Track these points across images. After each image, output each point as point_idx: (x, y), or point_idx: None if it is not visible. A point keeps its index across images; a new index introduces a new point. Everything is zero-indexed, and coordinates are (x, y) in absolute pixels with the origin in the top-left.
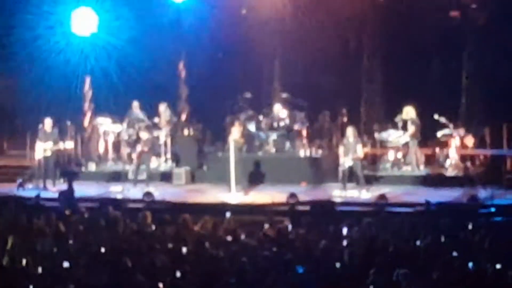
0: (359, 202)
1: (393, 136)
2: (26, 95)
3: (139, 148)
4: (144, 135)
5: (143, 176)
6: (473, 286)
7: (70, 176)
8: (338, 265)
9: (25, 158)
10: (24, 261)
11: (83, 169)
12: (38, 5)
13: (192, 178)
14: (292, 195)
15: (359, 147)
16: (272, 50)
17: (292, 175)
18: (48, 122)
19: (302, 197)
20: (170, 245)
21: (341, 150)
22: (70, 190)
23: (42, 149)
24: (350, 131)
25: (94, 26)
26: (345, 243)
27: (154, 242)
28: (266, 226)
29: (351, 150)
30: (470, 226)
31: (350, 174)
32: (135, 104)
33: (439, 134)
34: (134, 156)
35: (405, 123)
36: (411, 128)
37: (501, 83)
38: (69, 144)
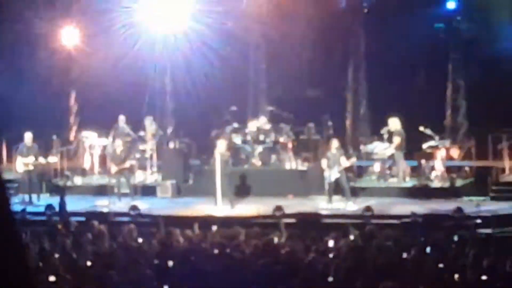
0: (345, 214)
1: (379, 148)
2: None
3: (124, 162)
4: (121, 148)
5: (128, 189)
6: None
7: (62, 190)
8: (324, 278)
9: (10, 172)
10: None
11: (69, 183)
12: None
13: (178, 191)
14: (278, 208)
15: (343, 158)
16: (257, 64)
17: (278, 188)
18: (28, 137)
19: (288, 210)
20: (156, 259)
21: (324, 163)
22: (62, 204)
23: (23, 164)
24: (333, 143)
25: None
26: (331, 255)
27: (140, 256)
28: (253, 239)
29: (335, 162)
30: (456, 238)
31: (336, 186)
32: (121, 118)
33: (425, 145)
34: (120, 169)
35: (390, 135)
36: (396, 140)
37: (487, 94)
38: (52, 159)
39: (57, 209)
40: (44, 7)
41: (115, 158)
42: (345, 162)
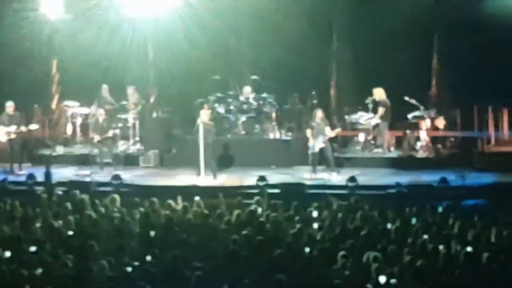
0: (329, 184)
1: (364, 118)
2: None
3: (107, 131)
4: (104, 117)
5: (111, 159)
6: (444, 269)
7: (47, 160)
8: (308, 248)
9: None
10: None
11: (54, 153)
12: None
13: (161, 161)
14: (262, 178)
15: (327, 128)
16: (240, 32)
17: (261, 158)
18: (10, 105)
19: (272, 180)
20: (138, 229)
21: (308, 133)
22: (48, 174)
23: (5, 133)
24: (318, 113)
25: (62, 10)
26: (315, 226)
27: (122, 226)
28: (235, 209)
29: (320, 132)
30: (440, 209)
31: (320, 156)
32: (104, 87)
33: (410, 116)
34: (102, 138)
35: (375, 105)
36: (381, 110)
37: (472, 65)
38: (33, 127)
39: (40, 179)
40: None
41: (97, 128)
42: (329, 133)
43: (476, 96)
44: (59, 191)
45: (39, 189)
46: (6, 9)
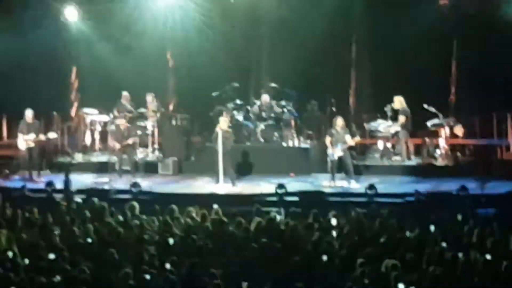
0: (348, 192)
1: (383, 126)
2: (12, 85)
3: (126, 138)
4: (126, 125)
5: (129, 166)
6: (463, 277)
7: (66, 168)
8: (327, 256)
9: (10, 149)
10: (10, 253)
11: (73, 160)
12: None
13: (180, 168)
14: (281, 186)
15: (348, 136)
16: (260, 40)
17: (280, 166)
18: (29, 114)
19: (291, 188)
20: (157, 237)
21: (327, 140)
22: (67, 182)
23: (24, 141)
24: (338, 121)
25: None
26: (334, 233)
27: (141, 234)
28: (254, 216)
29: (339, 140)
30: (459, 217)
31: (339, 164)
32: (125, 94)
33: (429, 123)
34: (121, 146)
35: (395, 112)
36: (402, 118)
37: (491, 72)
38: (52, 135)
39: (58, 186)
40: None
41: (118, 135)
42: (349, 141)
43: (495, 103)
44: (78, 198)
45: (58, 196)
46: (26, 16)
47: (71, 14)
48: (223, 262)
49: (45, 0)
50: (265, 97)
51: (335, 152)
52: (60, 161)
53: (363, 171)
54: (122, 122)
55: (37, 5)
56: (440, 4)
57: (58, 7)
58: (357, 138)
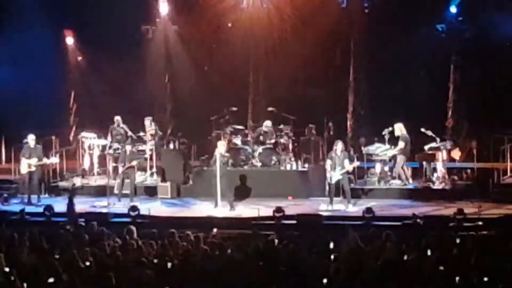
0: (345, 216)
1: (380, 150)
2: (10, 109)
3: (123, 162)
4: (130, 149)
5: (128, 190)
6: None
7: (71, 192)
8: (325, 280)
9: (9, 173)
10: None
11: (78, 184)
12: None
13: (178, 192)
14: (279, 209)
15: (347, 161)
16: (258, 64)
17: (278, 189)
18: (31, 139)
19: (289, 211)
20: (155, 260)
21: (327, 164)
22: (71, 205)
23: (27, 165)
24: (338, 145)
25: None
26: (332, 257)
27: (139, 257)
28: (252, 240)
29: (338, 164)
30: (457, 240)
31: (336, 187)
32: (117, 118)
33: (426, 147)
34: (119, 170)
35: (392, 136)
36: (402, 144)
37: (488, 95)
38: (54, 160)
39: (56, 210)
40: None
41: (123, 159)
42: (348, 166)
43: (492, 127)
44: (82, 222)
45: (61, 220)
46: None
47: (69, 40)
48: (222, 285)
49: (45, 25)
50: (264, 121)
51: (334, 176)
52: (59, 185)
53: (360, 195)
54: (128, 148)
55: (36, 30)
56: (438, 29)
57: (57, 33)
58: (356, 163)
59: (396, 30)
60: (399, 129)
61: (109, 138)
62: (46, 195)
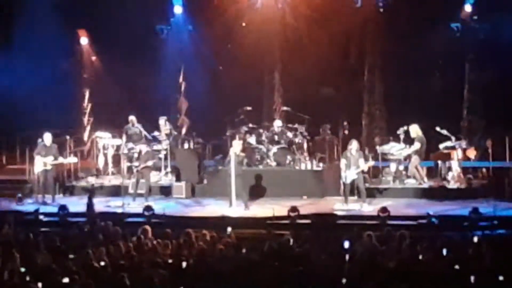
0: (360, 215)
1: (395, 149)
2: (25, 109)
3: (139, 162)
4: (146, 149)
5: (143, 190)
6: None
7: (90, 192)
8: (339, 279)
9: (24, 173)
10: (25, 277)
11: (97, 184)
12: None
13: (193, 192)
14: (294, 209)
15: (362, 160)
16: (272, 63)
17: (293, 189)
18: (47, 137)
19: (304, 211)
20: (170, 260)
21: (342, 163)
22: (90, 205)
23: (42, 164)
24: (353, 144)
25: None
26: (346, 257)
27: (154, 257)
28: (267, 240)
29: (353, 164)
30: (475, 239)
31: (351, 187)
32: (132, 118)
33: (441, 146)
34: (134, 170)
35: (409, 136)
36: (417, 145)
37: (503, 95)
38: (72, 160)
39: (71, 209)
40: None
41: (140, 159)
42: (363, 165)
43: (507, 126)
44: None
45: (76, 220)
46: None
47: (83, 40)
48: (237, 285)
49: (59, 26)
50: (278, 120)
51: (349, 175)
52: (76, 185)
53: (375, 194)
54: (143, 148)
55: (50, 30)
56: (453, 28)
57: (71, 33)
58: (371, 162)
59: (411, 29)
60: (415, 131)
61: (124, 138)
62: (61, 195)
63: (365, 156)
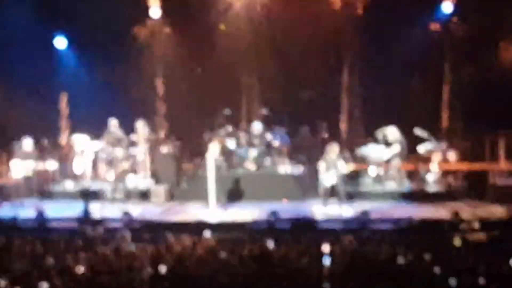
0: (340, 218)
1: (375, 151)
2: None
3: (116, 166)
4: (121, 153)
5: (121, 194)
6: None
7: (86, 196)
8: (319, 283)
9: (0, 177)
10: (1, 282)
11: (61, 188)
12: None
13: (171, 195)
14: (273, 212)
15: (342, 163)
16: (251, 66)
17: (272, 192)
18: (27, 142)
19: (283, 214)
20: (149, 265)
21: (322, 166)
22: (87, 210)
23: (22, 169)
24: (332, 147)
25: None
26: (327, 260)
27: (132, 262)
28: (247, 244)
29: (333, 167)
30: (455, 241)
31: (331, 190)
32: (113, 122)
33: (421, 149)
34: (111, 174)
35: (386, 138)
36: (396, 148)
37: (483, 96)
38: (51, 165)
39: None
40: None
41: (115, 164)
42: (343, 168)
43: (487, 127)
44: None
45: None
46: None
47: (60, 42)
48: None
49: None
50: (257, 124)
51: (328, 179)
52: (51, 189)
53: (355, 197)
54: (119, 152)
55: (27, 32)
56: (431, 29)
57: (48, 35)
58: (351, 166)
59: (389, 30)
60: (393, 134)
61: (103, 141)
62: (39, 200)
63: (345, 159)
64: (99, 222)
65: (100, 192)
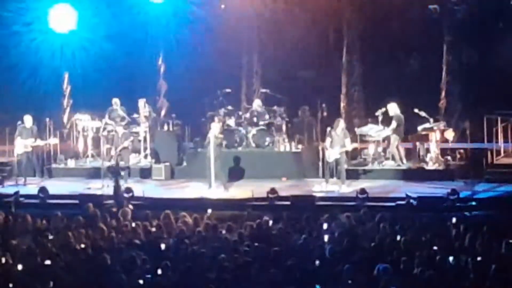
0: (339, 196)
1: (374, 131)
2: (3, 92)
3: (118, 144)
4: (123, 131)
5: (122, 172)
6: (454, 281)
7: (116, 173)
8: (318, 260)
9: (3, 155)
10: (3, 259)
11: (62, 165)
12: (15, 1)
13: (172, 174)
14: (273, 190)
15: (347, 141)
16: (251, 45)
17: (272, 170)
18: (28, 119)
19: (283, 192)
20: (149, 242)
21: (327, 142)
22: (117, 187)
23: (23, 146)
24: (340, 123)
25: (73, 23)
26: (326, 238)
27: (133, 239)
28: (247, 221)
29: (338, 143)
30: (453, 220)
31: (332, 167)
32: (115, 101)
33: (420, 128)
34: (113, 152)
35: (385, 117)
36: (394, 124)
37: (481, 76)
38: (53, 141)
39: (49, 192)
40: None
41: (116, 142)
42: (348, 145)
43: (485, 107)
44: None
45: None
46: (17, 22)
47: (62, 20)
48: (216, 266)
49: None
50: (257, 102)
51: (332, 154)
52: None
53: (354, 175)
54: (120, 130)
55: (27, 11)
56: (430, 9)
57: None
58: (356, 144)
59: (389, 10)
60: (393, 109)
61: (105, 119)
62: (41, 177)
63: (351, 138)
64: (100, 199)
65: (101, 170)
